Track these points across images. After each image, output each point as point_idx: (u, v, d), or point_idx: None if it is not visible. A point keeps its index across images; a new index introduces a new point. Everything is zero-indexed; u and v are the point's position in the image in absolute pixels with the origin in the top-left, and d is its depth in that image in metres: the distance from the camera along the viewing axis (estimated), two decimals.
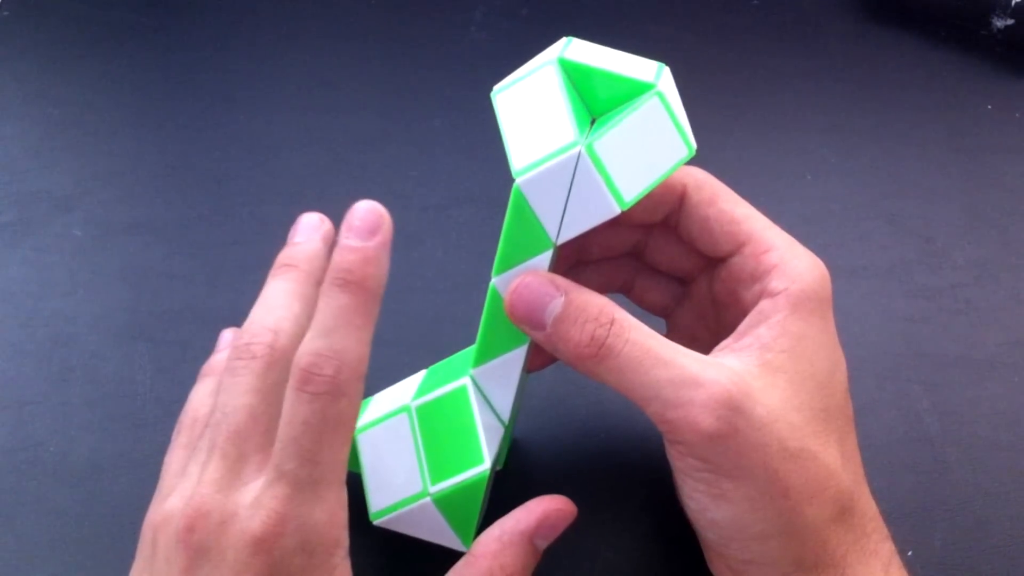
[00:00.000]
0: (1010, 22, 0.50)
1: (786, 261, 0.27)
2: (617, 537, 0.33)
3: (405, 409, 0.29)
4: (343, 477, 0.25)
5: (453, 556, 0.27)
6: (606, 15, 0.52)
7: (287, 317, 0.26)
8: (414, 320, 0.39)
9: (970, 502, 0.34)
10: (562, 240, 0.26)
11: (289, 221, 0.42)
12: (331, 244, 0.28)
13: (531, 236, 0.26)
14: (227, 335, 0.33)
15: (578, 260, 0.32)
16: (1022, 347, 0.39)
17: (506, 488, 0.32)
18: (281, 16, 0.52)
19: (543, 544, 0.27)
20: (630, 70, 0.26)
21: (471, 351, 0.29)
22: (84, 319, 0.39)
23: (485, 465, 0.27)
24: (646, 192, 0.25)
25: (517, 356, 0.28)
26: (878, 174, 0.45)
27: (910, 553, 0.33)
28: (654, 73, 0.26)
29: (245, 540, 0.23)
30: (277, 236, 0.42)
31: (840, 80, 0.50)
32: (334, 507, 0.24)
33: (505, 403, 0.29)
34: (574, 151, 0.24)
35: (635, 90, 0.25)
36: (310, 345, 0.24)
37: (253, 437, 0.25)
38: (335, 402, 0.24)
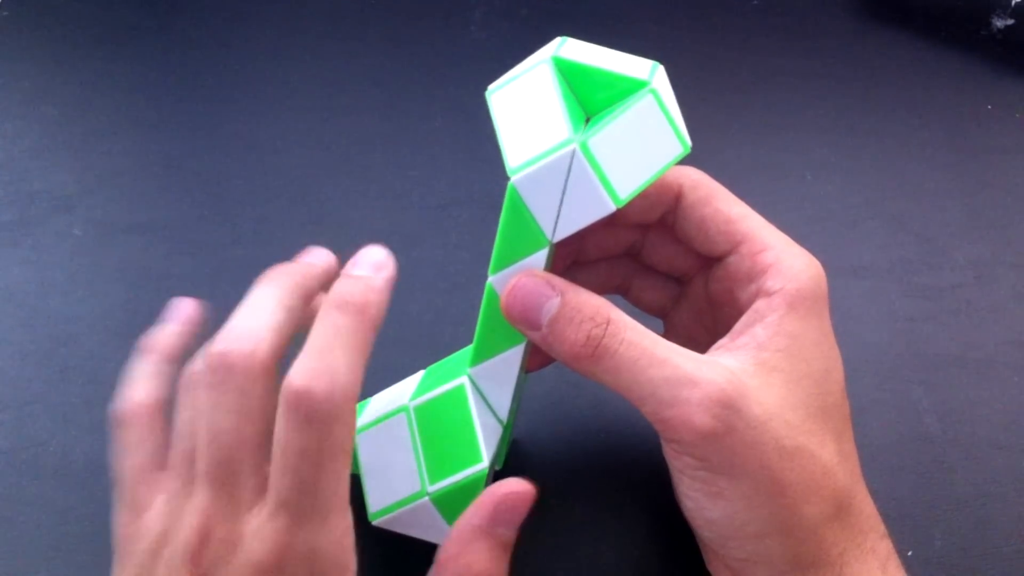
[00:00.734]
0: (1010, 22, 0.50)
1: (782, 260, 0.27)
2: (617, 537, 0.33)
3: (403, 409, 0.29)
4: (347, 502, 0.24)
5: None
6: (606, 15, 0.52)
7: (270, 326, 0.25)
8: (414, 320, 0.39)
9: (970, 502, 0.34)
10: (558, 238, 0.26)
11: (289, 221, 0.43)
12: (332, 273, 0.27)
13: (527, 234, 0.26)
14: (183, 307, 0.30)
15: (575, 261, 0.32)
16: (1022, 347, 0.39)
17: None
18: (281, 16, 0.52)
19: (508, 532, 0.25)
20: (624, 68, 0.26)
21: (467, 351, 0.29)
22: (84, 319, 0.39)
23: (483, 464, 0.27)
24: (641, 189, 0.25)
25: (515, 355, 0.28)
26: (878, 174, 0.45)
27: (910, 553, 0.33)
28: (648, 71, 0.26)
29: (252, 569, 0.22)
30: (277, 236, 0.42)
31: (840, 80, 0.50)
32: (340, 534, 0.24)
33: (503, 402, 0.29)
34: (568, 149, 0.24)
35: (629, 88, 0.25)
36: (303, 364, 0.23)
37: (243, 457, 0.24)
38: (330, 429, 0.23)
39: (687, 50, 0.51)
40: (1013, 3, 0.49)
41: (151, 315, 0.39)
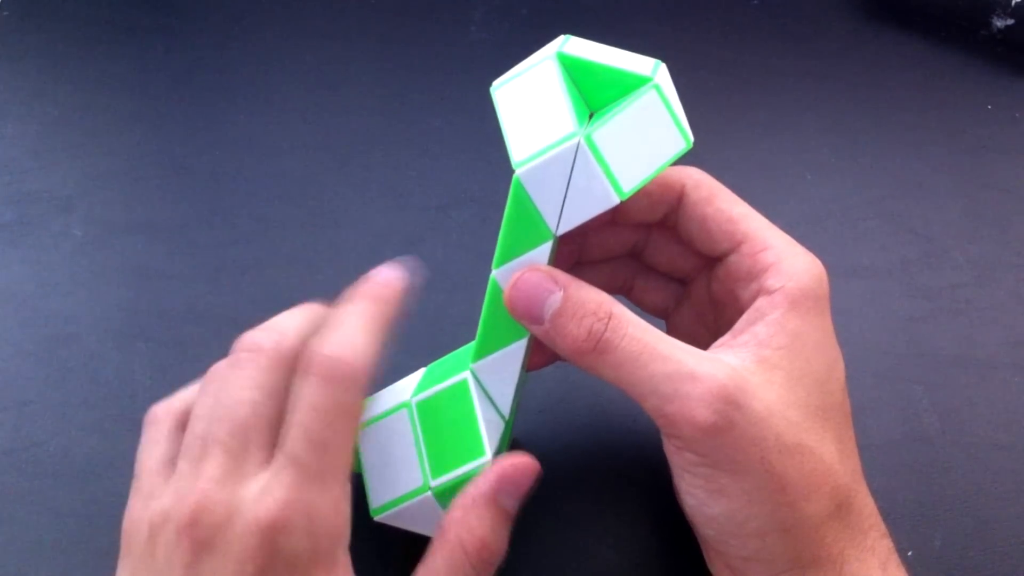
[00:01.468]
0: (1010, 22, 0.50)
1: (783, 259, 0.27)
2: (617, 536, 0.33)
3: (405, 405, 0.29)
4: (348, 471, 0.25)
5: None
6: (606, 15, 0.52)
7: (297, 327, 0.27)
8: (414, 320, 0.39)
9: (970, 502, 0.34)
10: (562, 231, 0.26)
11: (289, 221, 0.43)
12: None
13: (531, 228, 0.26)
14: None
15: (578, 261, 0.32)
16: (1022, 347, 0.39)
17: None
18: (281, 16, 0.52)
19: (510, 503, 0.26)
20: (628, 65, 0.26)
21: (469, 348, 0.29)
22: (84, 319, 0.39)
23: (487, 457, 0.27)
24: (644, 183, 0.26)
25: (517, 349, 0.28)
26: (878, 174, 0.45)
27: (910, 553, 0.33)
28: (651, 68, 0.26)
29: (251, 528, 0.23)
30: (277, 236, 0.42)
31: (840, 80, 0.50)
32: (339, 499, 0.24)
33: (506, 397, 0.29)
34: (573, 142, 0.24)
35: (633, 84, 0.26)
36: (325, 335, 0.25)
37: (256, 432, 0.25)
38: (346, 389, 0.24)
39: (687, 50, 0.51)
40: (1013, 3, 0.49)
41: (151, 315, 0.39)
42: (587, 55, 0.26)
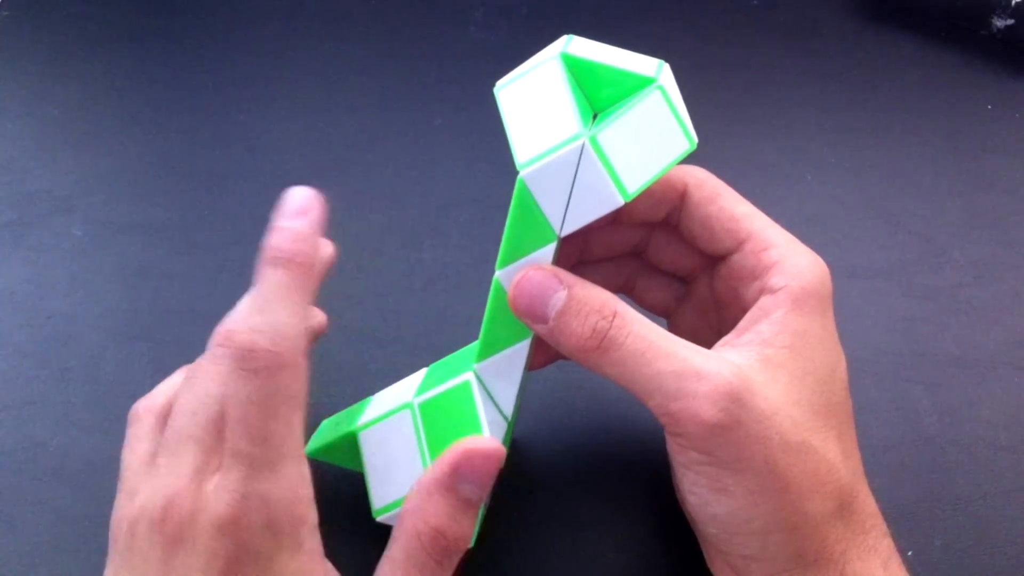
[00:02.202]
0: (1010, 22, 0.50)
1: (786, 258, 0.27)
2: (617, 536, 0.33)
3: (407, 406, 0.29)
4: (300, 452, 0.25)
5: None
6: (606, 14, 0.52)
7: (282, 321, 0.26)
8: (414, 320, 0.39)
9: (970, 502, 0.34)
10: (566, 232, 0.26)
11: None
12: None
13: (535, 229, 0.26)
14: None
15: (580, 260, 0.32)
16: (1022, 347, 0.39)
17: (506, 487, 0.32)
18: (281, 16, 0.52)
19: (470, 489, 0.25)
20: (632, 65, 0.26)
21: (470, 349, 0.29)
22: (84, 319, 0.39)
23: None
24: (649, 184, 0.26)
25: (520, 350, 0.28)
26: (878, 174, 0.45)
27: (910, 553, 0.33)
28: (655, 68, 0.26)
29: (212, 525, 0.23)
30: None
31: (840, 80, 0.50)
32: (295, 483, 0.24)
33: (508, 398, 0.29)
34: (578, 143, 0.24)
35: (637, 84, 0.26)
36: (244, 322, 0.24)
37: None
38: (275, 376, 0.24)
39: (687, 50, 0.51)
40: (1013, 3, 0.49)
41: (151, 315, 0.39)
42: (591, 55, 0.26)
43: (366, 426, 0.29)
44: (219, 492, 0.23)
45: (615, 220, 0.30)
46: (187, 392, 0.25)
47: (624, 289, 0.33)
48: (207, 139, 0.46)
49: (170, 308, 0.39)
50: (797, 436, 0.25)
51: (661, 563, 0.32)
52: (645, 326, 0.26)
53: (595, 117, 0.27)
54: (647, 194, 0.28)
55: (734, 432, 0.24)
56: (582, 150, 0.24)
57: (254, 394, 0.23)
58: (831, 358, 0.27)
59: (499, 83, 0.27)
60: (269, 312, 0.24)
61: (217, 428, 0.24)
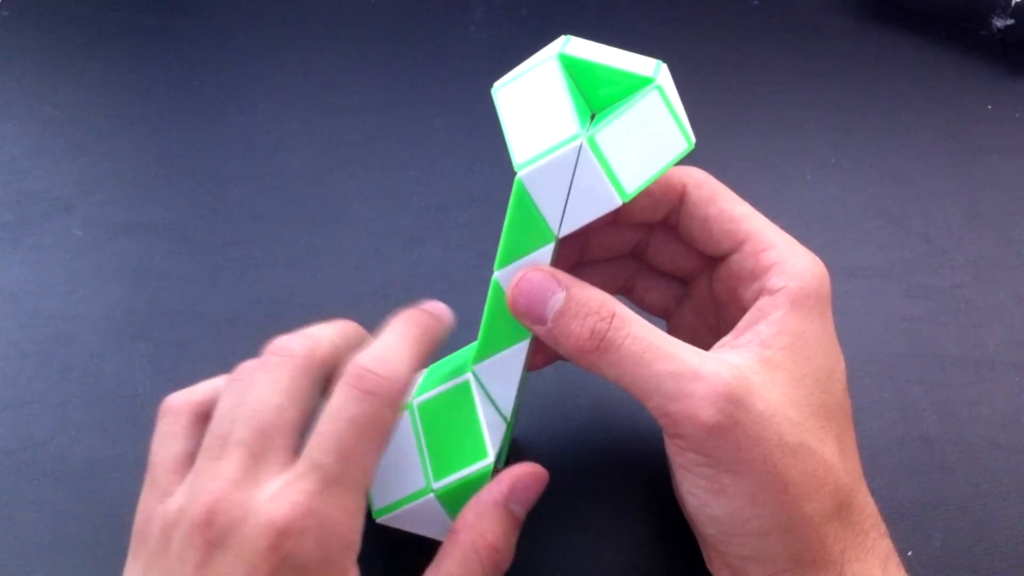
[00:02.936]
0: (1010, 22, 0.50)
1: (785, 259, 0.27)
2: (617, 537, 0.33)
3: (407, 407, 0.29)
4: (368, 484, 0.25)
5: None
6: (606, 15, 0.52)
7: (331, 338, 0.27)
8: None
9: (970, 502, 0.34)
10: (564, 233, 0.26)
11: (289, 221, 0.43)
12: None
13: (533, 229, 0.26)
14: None
15: (579, 261, 0.32)
16: (1022, 347, 0.39)
17: None
18: (281, 16, 0.52)
19: (520, 510, 0.27)
20: (629, 65, 0.26)
21: (470, 349, 0.29)
22: (84, 319, 0.39)
23: (489, 459, 0.27)
24: (647, 184, 0.26)
25: (519, 351, 0.28)
26: (878, 174, 0.45)
27: (910, 553, 0.33)
28: (653, 69, 0.26)
29: (266, 531, 0.23)
30: (277, 236, 0.42)
31: (840, 80, 0.50)
32: (354, 511, 0.24)
33: (507, 398, 0.29)
34: (576, 143, 0.24)
35: (635, 85, 0.26)
36: (371, 353, 0.25)
37: (279, 435, 0.24)
38: (383, 407, 0.24)
39: (687, 50, 0.51)
40: (1013, 3, 0.49)
41: (151, 315, 0.39)
42: (589, 56, 0.26)
43: None
44: (280, 498, 0.23)
45: (614, 221, 0.30)
46: (236, 395, 0.25)
47: (624, 290, 0.33)
48: (207, 139, 0.46)
49: (170, 308, 0.39)
50: (795, 437, 0.25)
51: (660, 563, 0.32)
52: (643, 327, 0.26)
53: (593, 117, 0.27)
54: (645, 195, 0.28)
55: (732, 433, 0.24)
56: (580, 151, 0.24)
57: (357, 417, 0.24)
58: (830, 359, 0.27)
59: (497, 84, 0.27)
60: (393, 353, 0.26)
61: (267, 437, 0.24)
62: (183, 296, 0.39)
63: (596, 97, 0.26)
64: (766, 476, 0.25)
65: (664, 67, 0.26)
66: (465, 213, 0.43)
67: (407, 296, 0.39)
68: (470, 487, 0.27)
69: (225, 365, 0.27)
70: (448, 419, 0.28)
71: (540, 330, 0.27)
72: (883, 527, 0.27)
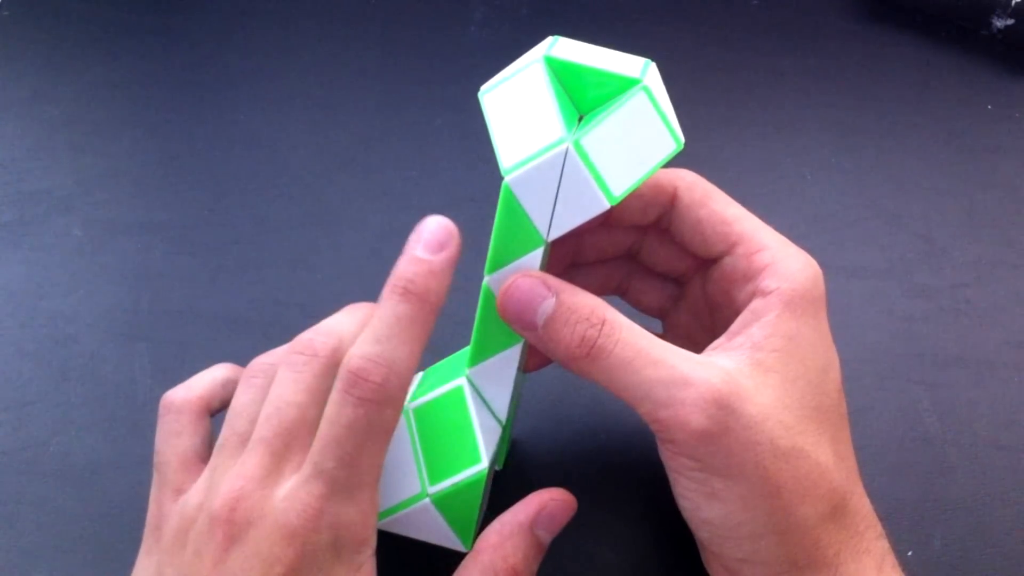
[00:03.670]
0: (1010, 22, 0.50)
1: (778, 260, 0.27)
2: (617, 537, 0.33)
3: (402, 412, 0.29)
4: (377, 481, 0.25)
5: (453, 557, 0.27)
6: (605, 15, 0.52)
7: (354, 334, 0.26)
8: None
9: (970, 502, 0.34)
10: (552, 237, 0.26)
11: (289, 221, 0.43)
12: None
13: (522, 234, 0.26)
14: None
15: (573, 262, 0.32)
16: (1022, 347, 0.39)
17: (506, 488, 0.32)
18: (281, 16, 0.52)
19: (545, 535, 0.27)
20: (616, 66, 0.26)
21: (466, 352, 0.29)
22: (84, 319, 0.39)
23: (483, 464, 0.27)
24: (635, 186, 0.25)
25: (512, 354, 0.28)
26: (878, 174, 0.45)
27: (910, 553, 0.33)
28: (640, 69, 0.26)
29: (279, 532, 0.23)
30: (277, 236, 0.42)
31: (840, 80, 0.50)
32: (366, 508, 0.24)
33: (502, 402, 0.29)
34: (561, 148, 0.24)
35: (621, 86, 0.25)
36: (362, 349, 0.24)
37: (300, 435, 0.25)
38: (381, 410, 0.24)
39: (687, 50, 0.51)
40: (1013, 3, 0.49)
41: (151, 315, 0.39)
42: (575, 58, 0.26)
43: None
44: (292, 501, 0.23)
45: (606, 223, 0.30)
46: (255, 392, 0.26)
47: (618, 291, 0.33)
48: (207, 139, 0.46)
49: (170, 308, 0.39)
50: (788, 441, 0.25)
51: (659, 564, 0.32)
52: (634, 333, 0.26)
53: (581, 119, 0.26)
54: (636, 197, 0.28)
55: (723, 439, 0.24)
56: (566, 155, 0.24)
57: (355, 423, 0.24)
58: (823, 361, 0.27)
59: (483, 88, 0.27)
60: (387, 344, 0.24)
61: (289, 435, 0.24)
62: (183, 296, 0.39)
63: (583, 99, 0.26)
64: (758, 481, 0.25)
65: (653, 66, 0.26)
66: (465, 213, 0.42)
67: None
68: (465, 492, 0.27)
69: None
70: (442, 424, 0.28)
71: (531, 336, 0.27)
72: (879, 528, 0.27)
